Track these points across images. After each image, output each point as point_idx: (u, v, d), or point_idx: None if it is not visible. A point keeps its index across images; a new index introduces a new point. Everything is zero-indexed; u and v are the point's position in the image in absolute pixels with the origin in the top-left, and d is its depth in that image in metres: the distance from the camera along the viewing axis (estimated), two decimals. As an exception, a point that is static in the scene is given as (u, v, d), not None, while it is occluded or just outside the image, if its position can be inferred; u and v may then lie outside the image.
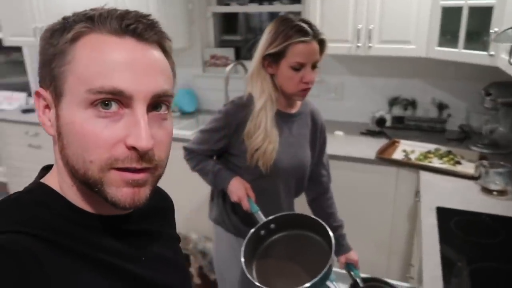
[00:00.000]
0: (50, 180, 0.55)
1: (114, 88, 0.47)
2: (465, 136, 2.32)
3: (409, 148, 2.14)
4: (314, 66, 1.24)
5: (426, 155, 2.03)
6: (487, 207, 1.54)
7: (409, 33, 2.10)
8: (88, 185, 0.50)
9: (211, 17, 2.92)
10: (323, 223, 1.08)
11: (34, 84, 3.47)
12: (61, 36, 0.49)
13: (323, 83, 2.63)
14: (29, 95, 3.45)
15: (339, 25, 2.20)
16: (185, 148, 1.43)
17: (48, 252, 0.47)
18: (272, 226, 1.16)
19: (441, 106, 2.44)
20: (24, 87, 3.51)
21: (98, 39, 0.48)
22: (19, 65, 3.55)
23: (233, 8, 2.96)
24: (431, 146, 2.13)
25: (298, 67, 1.21)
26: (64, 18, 0.51)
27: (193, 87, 2.99)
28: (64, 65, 0.48)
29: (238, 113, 1.29)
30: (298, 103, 1.38)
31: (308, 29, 1.21)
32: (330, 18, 2.22)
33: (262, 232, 1.15)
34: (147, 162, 0.49)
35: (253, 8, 2.99)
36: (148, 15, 0.51)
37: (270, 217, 1.17)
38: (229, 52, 2.88)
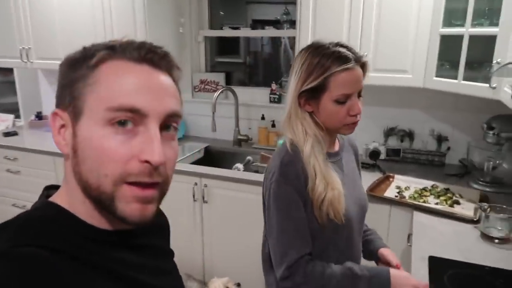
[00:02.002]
0: (58, 199, 0.59)
1: (132, 106, 0.52)
2: (465, 172, 2.15)
3: (403, 184, 1.98)
4: (359, 95, 1.09)
5: (421, 192, 1.87)
6: (487, 258, 1.36)
7: (406, 62, 1.99)
8: (99, 201, 0.54)
9: (202, 41, 2.84)
10: None
11: (22, 105, 3.39)
12: (84, 62, 0.55)
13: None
14: (17, 117, 3.37)
15: (331, 51, 2.09)
16: (285, 268, 1.05)
17: (65, 264, 0.51)
18: None
19: (440, 139, 2.29)
20: (16, 108, 3.44)
21: (119, 64, 0.54)
22: (13, 86, 3.49)
23: (225, 32, 2.87)
24: (428, 183, 1.97)
25: (343, 100, 1.04)
26: (85, 48, 0.57)
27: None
28: (86, 86, 0.54)
29: (297, 169, 1.05)
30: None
31: (348, 53, 1.04)
32: (322, 44, 2.11)
33: None
34: (157, 176, 0.54)
35: (245, 33, 2.90)
36: (161, 47, 0.58)
37: None
38: (220, 77, 2.77)
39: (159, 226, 0.75)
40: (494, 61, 1.53)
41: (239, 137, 2.69)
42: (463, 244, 1.47)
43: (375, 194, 1.86)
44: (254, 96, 2.77)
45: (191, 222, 2.32)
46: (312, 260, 1.06)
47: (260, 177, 2.21)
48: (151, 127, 0.53)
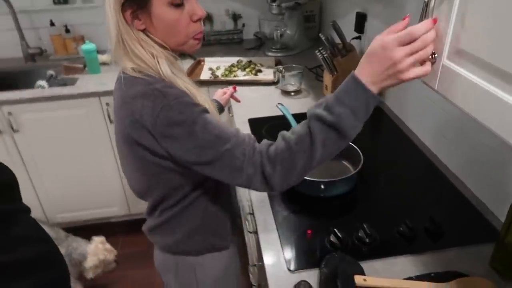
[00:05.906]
0: None
1: None
2: (260, 44, 2.47)
3: (214, 65, 2.16)
4: None
5: (230, 69, 2.10)
6: (290, 108, 1.70)
7: None
8: None
9: None
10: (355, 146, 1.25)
11: None
12: None
13: None
14: None
15: None
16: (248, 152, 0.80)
17: None
18: None
19: (235, 17, 2.50)
20: None
21: None
22: None
23: None
24: (233, 59, 2.20)
25: (180, 1, 0.80)
26: None
27: None
28: None
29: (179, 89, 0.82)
30: None
31: None
32: None
33: None
34: None
35: None
36: None
37: None
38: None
39: (2, 186, 0.62)
40: None
41: (30, 51, 2.34)
42: (271, 103, 1.78)
43: (193, 79, 1.99)
44: (32, 0, 2.38)
45: (6, 160, 2.07)
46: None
47: (71, 89, 2.06)
48: None
